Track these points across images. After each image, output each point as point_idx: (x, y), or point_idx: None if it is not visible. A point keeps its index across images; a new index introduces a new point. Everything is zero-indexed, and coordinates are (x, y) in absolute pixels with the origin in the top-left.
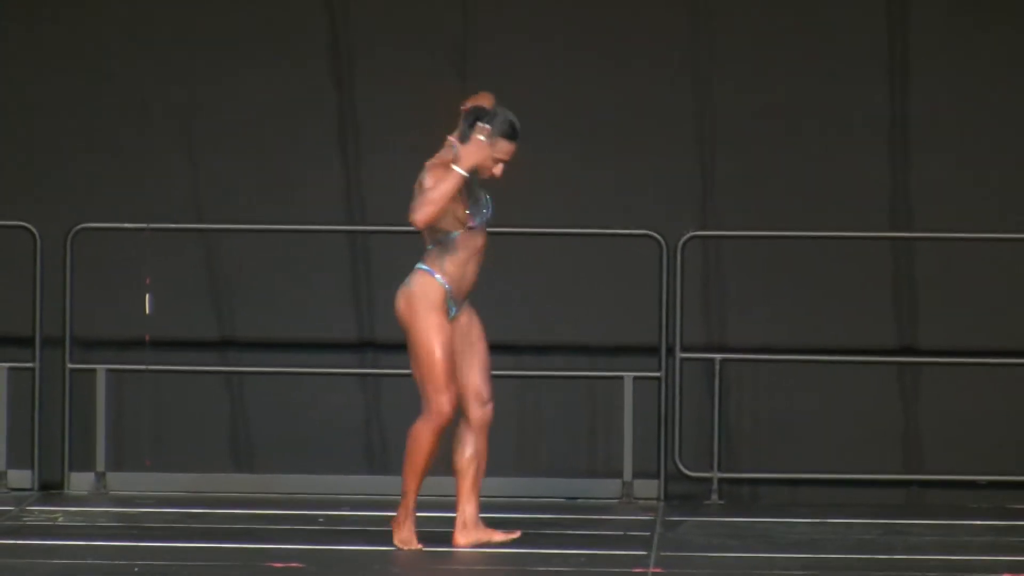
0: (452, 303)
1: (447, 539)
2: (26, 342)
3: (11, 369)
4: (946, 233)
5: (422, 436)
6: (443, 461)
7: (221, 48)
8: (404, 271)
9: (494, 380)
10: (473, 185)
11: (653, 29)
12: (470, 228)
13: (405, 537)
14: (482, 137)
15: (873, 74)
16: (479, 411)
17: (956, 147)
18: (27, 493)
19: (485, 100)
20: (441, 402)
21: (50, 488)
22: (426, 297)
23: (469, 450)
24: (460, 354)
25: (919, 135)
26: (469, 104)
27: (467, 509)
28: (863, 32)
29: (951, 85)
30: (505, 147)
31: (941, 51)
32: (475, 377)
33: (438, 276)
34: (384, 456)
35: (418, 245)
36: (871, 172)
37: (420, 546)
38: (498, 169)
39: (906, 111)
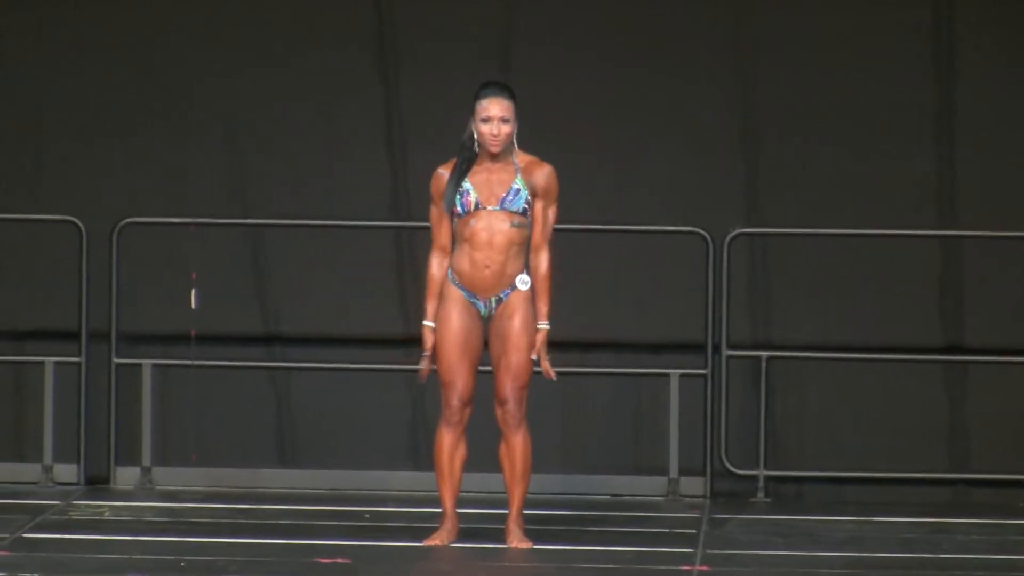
0: (474, 300)
1: (490, 536)
2: (72, 337)
3: (57, 364)
4: (992, 231)
5: (436, 432)
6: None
7: (267, 42)
8: None
9: (540, 377)
10: (457, 174)
11: (698, 26)
12: (458, 216)
13: (437, 535)
14: None
15: (919, 70)
16: (498, 411)
17: (1002, 144)
18: (73, 487)
19: None
20: (445, 396)
21: (96, 483)
22: (443, 295)
23: (503, 448)
24: (492, 353)
25: (965, 132)
26: None
27: (510, 509)
28: (909, 28)
29: (997, 82)
30: (481, 107)
31: (987, 48)
32: (497, 376)
33: (450, 273)
34: (429, 452)
35: None
36: (917, 169)
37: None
38: (491, 129)
39: (952, 108)
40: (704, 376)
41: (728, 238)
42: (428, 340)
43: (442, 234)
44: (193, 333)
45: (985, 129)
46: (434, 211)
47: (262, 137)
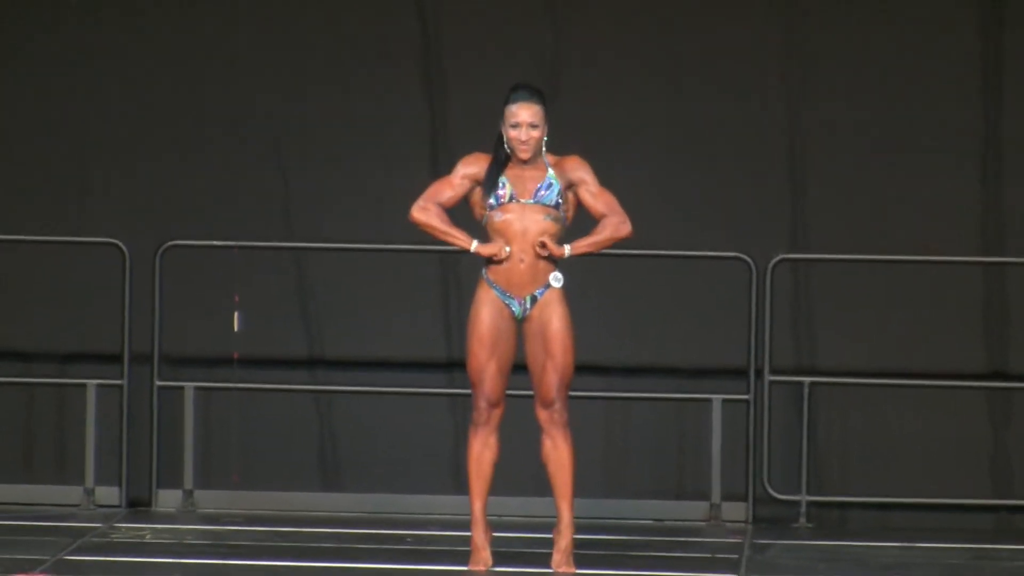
0: (509, 300)
1: (532, 560)
2: (114, 359)
3: (100, 386)
4: None
5: (468, 434)
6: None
7: (312, 64)
8: None
9: (583, 401)
10: (494, 169)
11: (745, 48)
12: (491, 210)
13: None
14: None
15: (966, 96)
16: (543, 413)
17: None
18: (115, 510)
19: None
20: (474, 396)
21: (138, 505)
22: (476, 296)
23: (548, 447)
24: (531, 355)
25: (1012, 158)
26: None
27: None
28: (956, 54)
29: None
30: (510, 112)
31: None
32: (542, 378)
33: (484, 273)
34: None
35: None
36: (962, 195)
37: (483, 561)
38: (519, 134)
39: (999, 134)
40: (747, 401)
41: (771, 263)
42: (490, 246)
43: (443, 195)
44: (236, 356)
45: None
46: (443, 183)
47: (307, 158)
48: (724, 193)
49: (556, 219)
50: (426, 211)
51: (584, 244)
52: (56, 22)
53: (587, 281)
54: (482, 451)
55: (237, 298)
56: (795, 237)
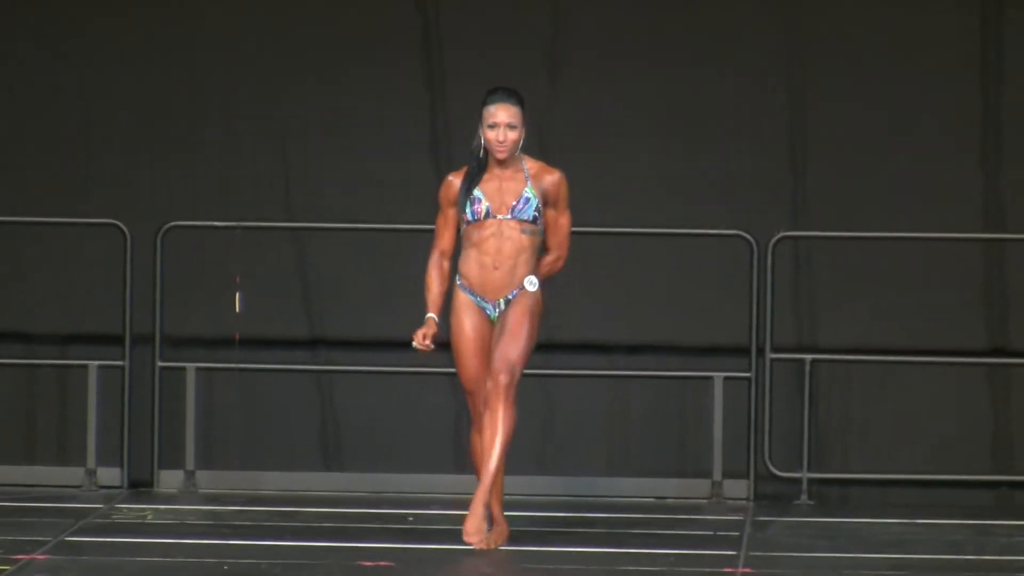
0: (483, 303)
1: (534, 539)
2: (116, 340)
3: (101, 367)
4: None
5: (470, 438)
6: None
7: (313, 47)
8: None
9: (585, 380)
10: (468, 181)
11: (745, 29)
12: (467, 223)
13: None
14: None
15: (967, 75)
16: (489, 383)
17: None
18: (117, 491)
19: None
20: (472, 404)
21: (139, 486)
22: (453, 304)
23: (487, 418)
24: (493, 339)
25: (1012, 136)
26: None
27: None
28: (957, 34)
29: None
30: (488, 113)
31: None
32: (494, 351)
33: (458, 279)
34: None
35: None
36: (963, 173)
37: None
38: (497, 135)
39: (999, 113)
40: (748, 379)
41: (772, 241)
42: (431, 326)
43: (445, 239)
44: (237, 337)
45: None
46: (440, 218)
47: (307, 141)
48: (725, 171)
49: (533, 233)
50: (432, 271)
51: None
52: (58, 4)
53: (588, 260)
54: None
55: (238, 279)
56: (796, 215)
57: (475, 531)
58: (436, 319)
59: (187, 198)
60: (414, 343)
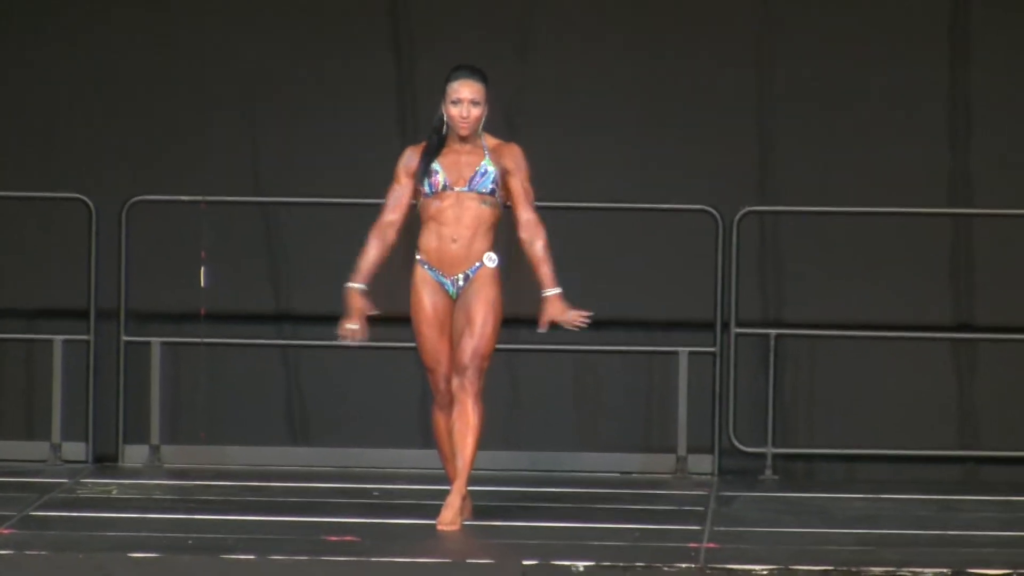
0: (442, 279)
1: (499, 514)
2: (81, 315)
3: (66, 341)
4: (1003, 209)
5: (432, 416)
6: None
7: (281, 20)
8: None
9: (551, 355)
10: (427, 155)
11: (714, 6)
12: (425, 196)
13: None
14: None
15: (933, 50)
16: (455, 380)
17: (1015, 124)
18: (82, 465)
19: None
20: (433, 381)
21: (105, 461)
22: (412, 281)
23: (456, 413)
24: (455, 325)
25: (979, 112)
26: None
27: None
28: (924, 8)
29: (1011, 62)
30: (452, 89)
31: (1002, 29)
32: (459, 344)
33: (417, 255)
34: None
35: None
36: (930, 148)
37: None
38: (460, 111)
39: (967, 88)
40: (713, 354)
41: (738, 216)
42: (354, 303)
43: (393, 210)
44: (203, 311)
45: (998, 109)
46: (392, 189)
47: (274, 115)
48: (690, 147)
49: (492, 204)
50: (372, 239)
51: (550, 274)
52: None
53: (554, 234)
54: (448, 426)
55: (204, 254)
56: (762, 190)
57: (451, 523)
58: (359, 289)
59: (153, 173)
60: (339, 334)
